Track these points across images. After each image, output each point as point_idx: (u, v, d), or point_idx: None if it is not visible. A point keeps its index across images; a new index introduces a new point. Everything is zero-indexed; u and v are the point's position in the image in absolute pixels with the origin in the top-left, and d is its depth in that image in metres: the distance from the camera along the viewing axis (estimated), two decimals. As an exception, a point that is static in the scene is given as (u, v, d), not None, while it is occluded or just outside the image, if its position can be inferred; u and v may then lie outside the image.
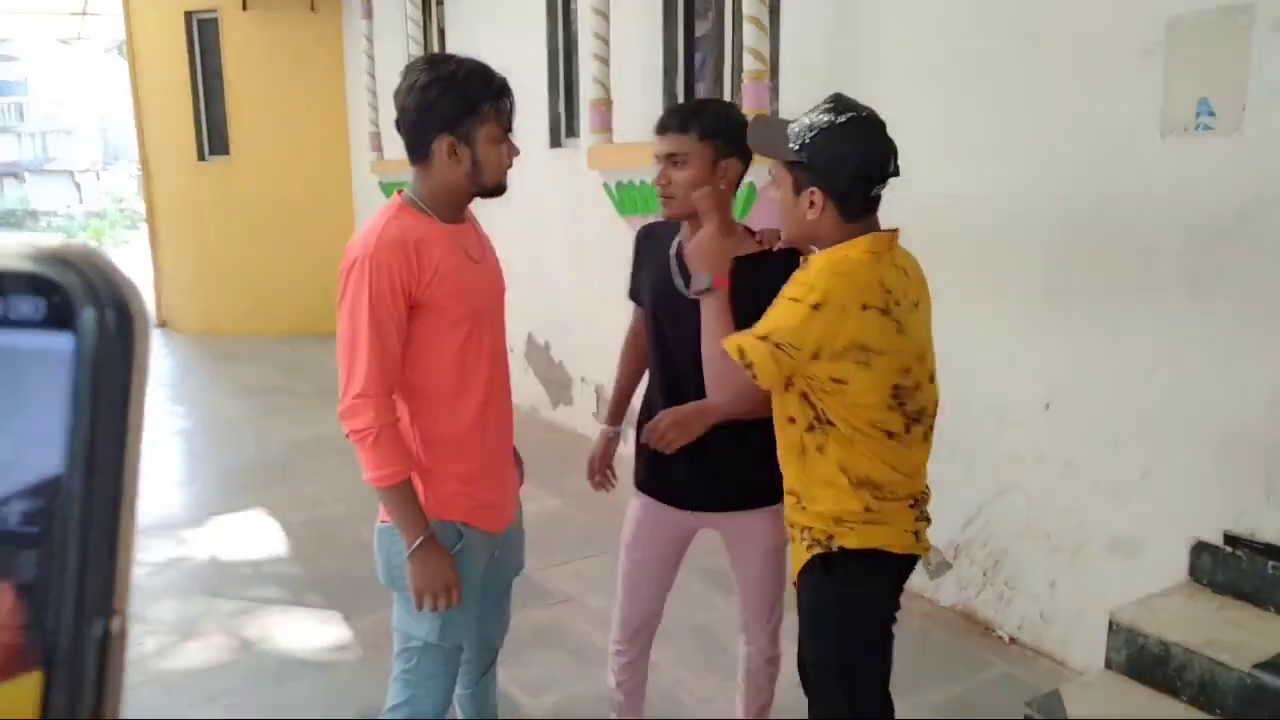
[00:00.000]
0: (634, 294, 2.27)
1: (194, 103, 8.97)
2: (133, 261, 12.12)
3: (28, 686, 0.21)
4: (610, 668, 2.37)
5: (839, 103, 1.73)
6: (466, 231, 1.93)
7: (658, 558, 2.23)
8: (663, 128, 2.00)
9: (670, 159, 1.98)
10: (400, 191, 1.90)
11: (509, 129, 1.87)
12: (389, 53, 7.08)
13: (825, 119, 1.69)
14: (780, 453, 1.88)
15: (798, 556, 1.88)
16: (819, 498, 1.80)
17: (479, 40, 6.18)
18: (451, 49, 6.72)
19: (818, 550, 1.83)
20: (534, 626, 3.33)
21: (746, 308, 1.80)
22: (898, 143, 1.72)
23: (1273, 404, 2.45)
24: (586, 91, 4.75)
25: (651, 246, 2.20)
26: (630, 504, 2.27)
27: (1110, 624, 2.51)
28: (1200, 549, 2.59)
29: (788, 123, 1.75)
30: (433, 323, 1.83)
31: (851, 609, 1.86)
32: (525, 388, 5.89)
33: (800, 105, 1.80)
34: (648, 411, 2.21)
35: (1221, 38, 2.48)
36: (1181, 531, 2.64)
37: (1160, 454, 2.69)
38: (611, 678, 2.38)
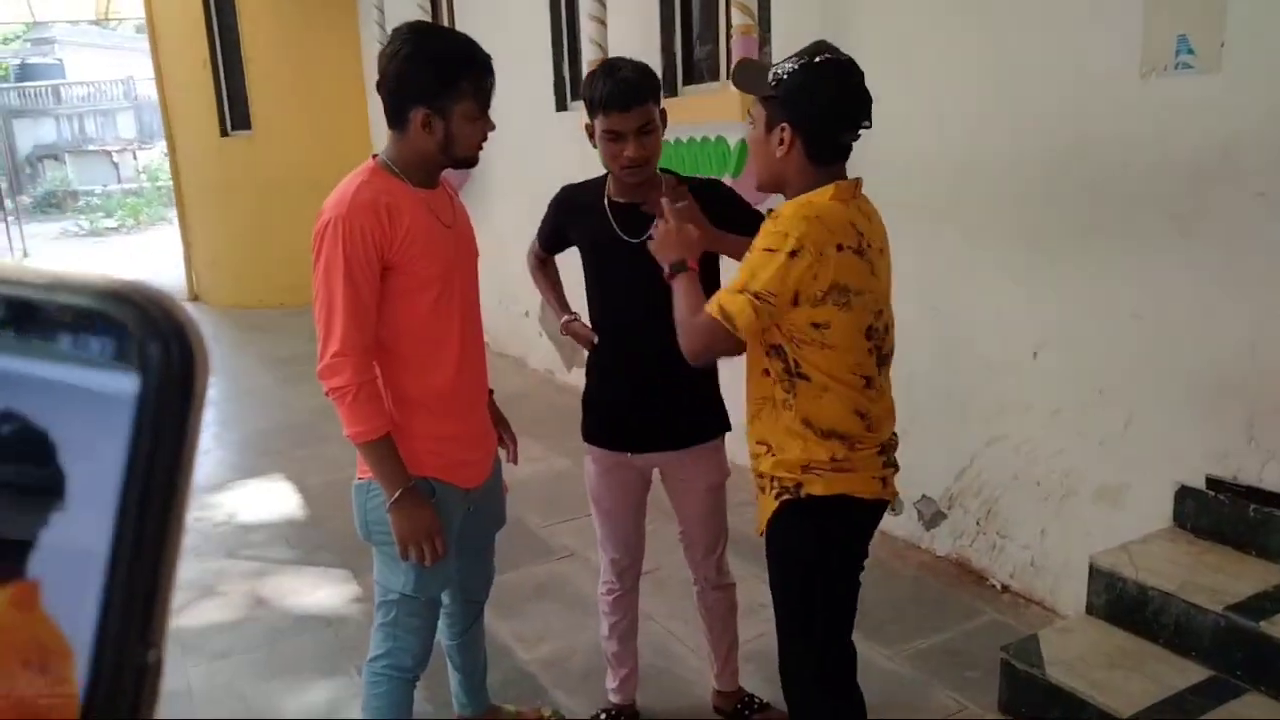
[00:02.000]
0: (549, 243, 2.40)
1: (215, 79, 9.07)
2: (170, 238, 12.37)
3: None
4: (601, 610, 2.47)
5: (819, 46, 1.76)
6: (438, 196, 1.97)
7: (623, 503, 2.35)
8: (626, 104, 2.01)
9: (641, 130, 2.04)
10: (375, 155, 1.94)
11: (487, 106, 1.90)
12: (402, 20, 7.09)
13: (803, 60, 1.73)
14: (752, 406, 1.91)
15: (765, 507, 1.90)
16: (787, 447, 1.83)
17: (484, 7, 6.18)
18: (460, 15, 6.72)
19: (786, 498, 1.85)
20: (535, 581, 3.42)
21: None
22: (885, 94, 1.74)
23: (1255, 345, 2.42)
24: (586, 53, 4.74)
25: (580, 203, 2.26)
26: (585, 461, 2.38)
27: (1090, 569, 2.53)
28: (1184, 494, 2.59)
29: (771, 66, 1.81)
30: (403, 284, 1.87)
31: (819, 555, 1.88)
32: (539, 351, 5.95)
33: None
34: (596, 368, 2.29)
35: (1201, -27, 2.42)
36: (1166, 477, 2.64)
37: (1144, 400, 2.68)
38: (604, 625, 2.48)
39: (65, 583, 0.22)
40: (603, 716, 2.55)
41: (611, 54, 4.57)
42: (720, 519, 2.38)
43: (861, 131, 1.76)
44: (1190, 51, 2.47)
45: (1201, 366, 2.54)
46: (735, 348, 1.80)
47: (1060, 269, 2.88)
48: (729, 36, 3.97)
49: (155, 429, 0.22)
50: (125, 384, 0.22)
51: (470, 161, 1.95)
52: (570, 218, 2.29)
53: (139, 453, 0.22)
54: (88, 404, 0.22)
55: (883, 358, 1.84)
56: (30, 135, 27.80)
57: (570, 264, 2.43)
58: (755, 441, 1.90)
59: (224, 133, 9.18)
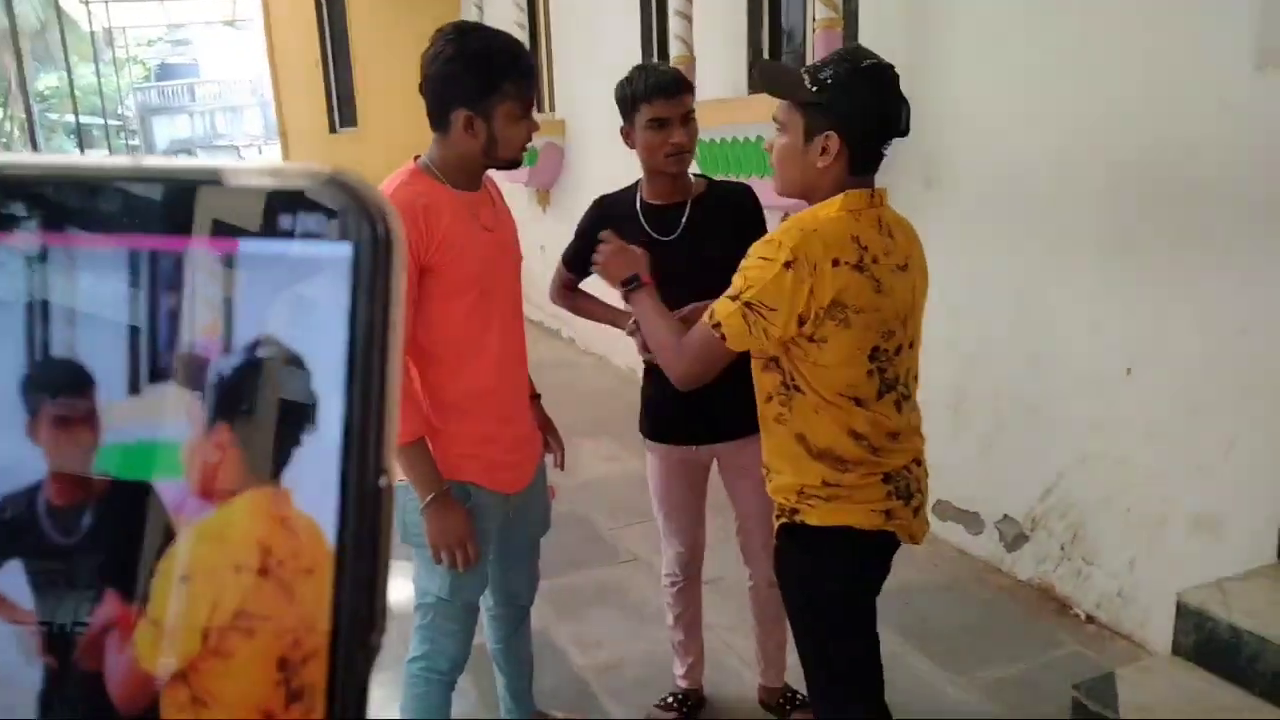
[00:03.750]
0: (580, 263, 2.31)
1: (325, 78, 9.41)
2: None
3: (257, 501, 0.26)
4: (666, 603, 2.55)
5: (858, 51, 1.67)
6: (480, 200, 1.95)
7: (683, 497, 2.41)
8: (672, 91, 2.13)
9: (685, 118, 2.15)
10: (416, 157, 1.93)
11: (530, 107, 1.88)
12: (499, 18, 7.19)
13: (846, 65, 1.63)
14: (762, 429, 1.85)
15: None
16: (783, 469, 1.77)
17: (579, 7, 6.20)
18: (554, 17, 6.76)
19: (784, 521, 1.80)
20: (597, 584, 3.38)
21: (709, 243, 2.10)
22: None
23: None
24: (673, 50, 4.68)
25: (617, 209, 2.30)
26: (647, 458, 2.44)
27: (1178, 605, 2.33)
28: (1290, 530, 2.36)
29: (798, 68, 1.71)
30: (440, 287, 1.86)
31: (814, 585, 1.81)
32: (621, 353, 5.93)
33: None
34: (651, 366, 2.29)
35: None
36: (1269, 508, 2.41)
37: (1247, 423, 2.46)
38: (670, 616, 2.54)
39: (309, 470, 0.26)
40: (670, 699, 2.59)
41: (698, 51, 4.52)
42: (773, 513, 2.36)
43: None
44: (1310, 43, 2.24)
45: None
46: (725, 357, 1.71)
47: (1158, 280, 2.67)
48: (814, 32, 3.85)
49: (370, 292, 0.25)
50: (341, 253, 0.25)
51: (513, 163, 1.92)
52: (609, 225, 2.27)
53: (358, 312, 0.25)
54: (308, 274, 0.26)
55: (888, 382, 1.70)
56: (168, 131, 29.49)
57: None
58: (764, 464, 1.86)
59: (332, 129, 9.51)
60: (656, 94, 2.09)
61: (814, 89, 1.61)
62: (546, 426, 2.24)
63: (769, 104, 4.16)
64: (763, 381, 1.78)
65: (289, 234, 0.26)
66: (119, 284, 0.26)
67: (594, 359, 6.40)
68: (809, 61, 3.91)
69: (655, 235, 2.19)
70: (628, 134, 2.18)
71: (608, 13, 5.87)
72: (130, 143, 28.38)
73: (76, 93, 21.34)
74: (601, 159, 5.72)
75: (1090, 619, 2.96)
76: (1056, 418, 3.02)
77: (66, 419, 0.27)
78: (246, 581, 0.26)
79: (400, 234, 0.26)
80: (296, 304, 0.26)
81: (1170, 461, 2.67)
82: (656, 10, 5.52)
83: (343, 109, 9.46)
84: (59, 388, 0.27)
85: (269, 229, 0.26)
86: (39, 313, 0.26)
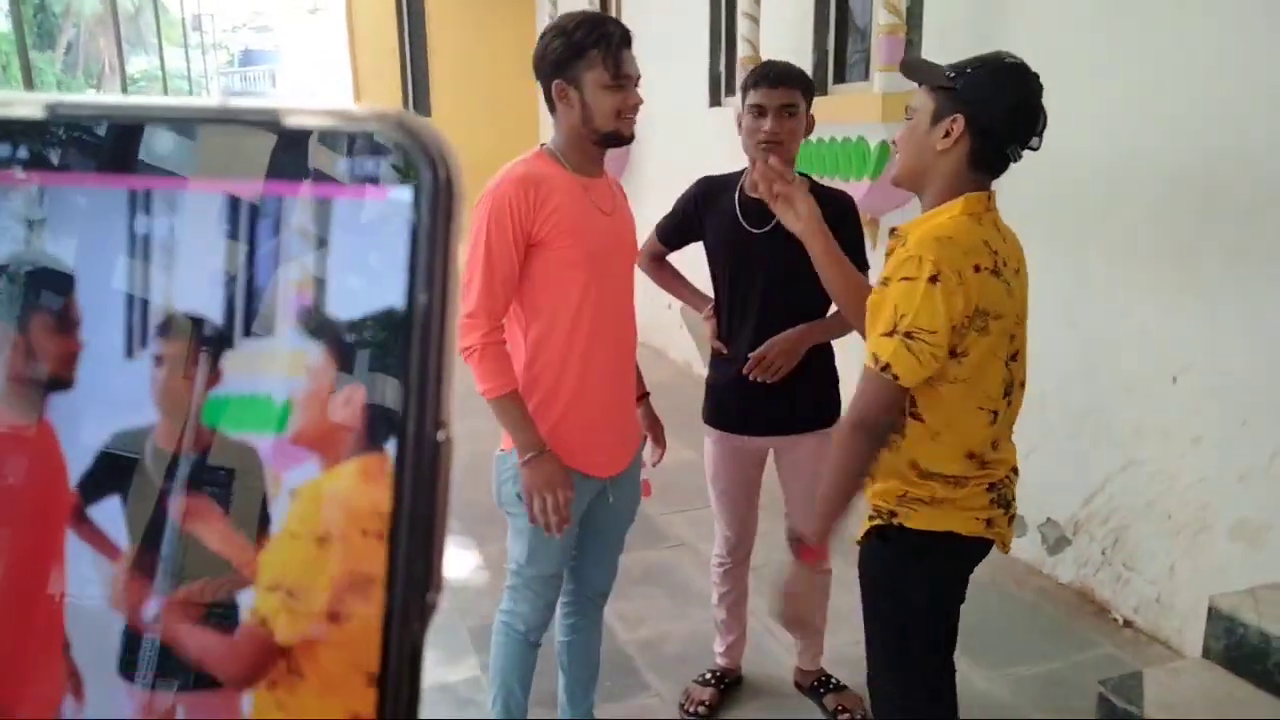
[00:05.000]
0: (672, 237, 2.49)
1: (401, 66, 9.66)
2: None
3: (364, 465, 0.26)
4: (712, 581, 2.65)
5: (1004, 53, 1.68)
6: (599, 185, 2.01)
7: (738, 483, 2.49)
8: (776, 81, 2.20)
9: (784, 108, 2.20)
10: (543, 144, 2.03)
11: (622, 76, 1.90)
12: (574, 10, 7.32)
13: (989, 61, 1.65)
14: None
15: (859, 527, 1.85)
16: (887, 480, 1.75)
17: (651, 5, 6.30)
18: (625, 14, 6.87)
19: (879, 523, 1.78)
20: (644, 566, 3.51)
21: (799, 243, 2.07)
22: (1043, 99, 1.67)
23: None
24: (740, 50, 4.77)
25: (716, 193, 2.39)
26: (705, 443, 2.52)
27: (1210, 610, 2.37)
28: (1328, 540, 2.38)
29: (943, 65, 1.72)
30: (550, 262, 1.91)
31: (907, 590, 1.79)
32: (678, 346, 6.04)
33: (941, 59, 1.77)
34: (720, 355, 2.38)
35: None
36: (1310, 521, 2.44)
37: (1288, 436, 2.48)
38: (715, 595, 2.64)
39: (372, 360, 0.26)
40: (708, 675, 2.69)
41: (763, 51, 4.60)
42: None
43: (1025, 152, 1.67)
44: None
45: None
46: (902, 398, 1.65)
47: (1210, 290, 2.69)
48: (879, 36, 3.91)
49: (430, 236, 0.25)
50: (404, 195, 0.25)
51: (617, 137, 1.94)
52: (706, 206, 2.41)
53: (417, 256, 0.25)
54: (370, 213, 0.25)
55: (1009, 388, 1.71)
56: (249, 115, 30.27)
57: (689, 261, 2.50)
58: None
59: (407, 117, 9.77)
60: (762, 81, 2.18)
61: (950, 74, 1.63)
62: (654, 424, 2.31)
63: (838, 105, 4.20)
64: None
65: (351, 177, 0.25)
66: (206, 227, 0.26)
67: (651, 351, 6.52)
68: (872, 63, 3.97)
69: (747, 226, 2.28)
70: (740, 119, 2.26)
71: (678, 13, 5.97)
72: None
73: (166, 76, 22.10)
74: (667, 155, 5.83)
75: (1128, 623, 3.00)
76: (1103, 424, 3.05)
77: (179, 363, 0.27)
78: (361, 545, 0.26)
79: (460, 178, 0.26)
80: (363, 248, 0.25)
81: (1213, 470, 2.69)
82: (725, 11, 5.60)
83: (418, 98, 9.70)
84: (177, 333, 0.26)
85: (328, 171, 0.26)
86: (156, 256, 0.26)
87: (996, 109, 1.62)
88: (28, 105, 0.26)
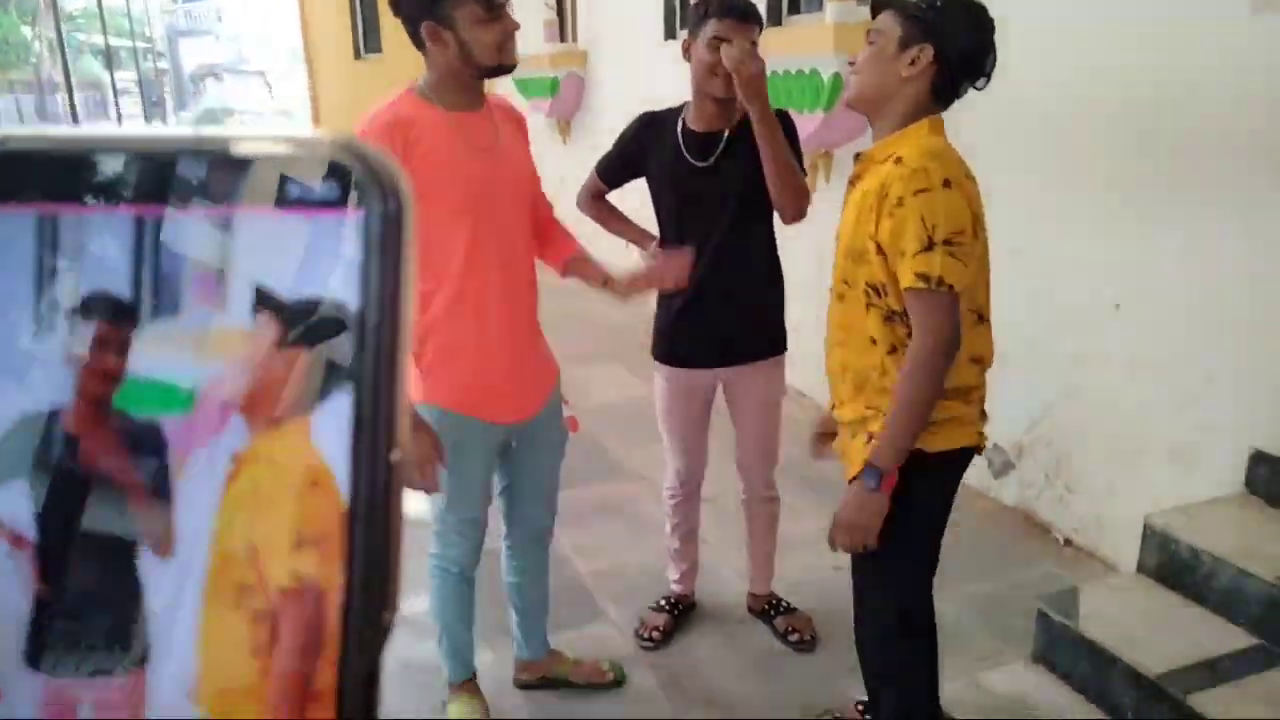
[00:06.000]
0: (613, 175, 2.47)
1: (350, 4, 9.39)
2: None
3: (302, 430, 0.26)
4: (666, 513, 2.70)
5: None
6: (476, 120, 1.90)
7: (689, 418, 2.53)
8: (744, 15, 2.17)
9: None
10: (413, 81, 1.92)
11: (496, 6, 1.80)
12: (523, -54, 7.14)
13: None
14: (853, 379, 1.79)
15: (856, 457, 1.76)
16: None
17: (603, -70, 6.16)
18: (579, -60, 6.72)
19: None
20: (602, 499, 3.56)
21: (740, 174, 2.19)
22: None
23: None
24: (694, -19, 4.70)
25: (659, 128, 2.37)
26: (654, 379, 2.54)
27: (1145, 528, 2.46)
28: (1258, 459, 2.47)
29: None
30: (428, 210, 1.82)
31: (923, 510, 1.80)
32: (638, 281, 6.02)
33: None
34: (667, 296, 2.38)
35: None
36: (1242, 441, 2.52)
37: (1227, 360, 2.55)
38: (668, 524, 2.70)
39: (327, 419, 0.26)
40: (662, 602, 2.76)
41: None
42: (774, 435, 2.56)
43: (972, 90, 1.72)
44: (1307, -15, 2.28)
45: (1289, 327, 2.40)
46: (958, 309, 1.64)
47: (1150, 222, 2.74)
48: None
49: (380, 261, 0.26)
50: (354, 218, 0.26)
51: (500, 68, 1.85)
52: (649, 142, 2.39)
53: (369, 280, 0.26)
54: (319, 243, 0.26)
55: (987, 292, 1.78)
56: (195, 54, 29.39)
57: (628, 197, 2.49)
58: (864, 407, 1.77)
59: (357, 55, 9.51)
60: (726, 14, 2.13)
61: (924, 5, 1.65)
62: (598, 273, 2.13)
63: (792, 37, 4.14)
64: (882, 335, 1.72)
65: (301, 202, 0.26)
66: (131, 248, 0.27)
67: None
68: (826, -5, 3.92)
69: (691, 160, 2.28)
70: (688, 47, 2.23)
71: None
72: (158, 64, 28.35)
73: (104, 14, 21.28)
74: (622, 90, 5.76)
75: (1068, 542, 3.11)
76: (1047, 352, 3.12)
77: (97, 346, 0.27)
78: (300, 504, 0.26)
79: (408, 201, 0.26)
80: (310, 272, 0.26)
81: (1151, 395, 2.77)
82: (680, -61, 5.49)
83: (368, 35, 9.45)
84: (96, 315, 0.27)
85: (281, 197, 0.26)
86: (67, 245, 0.27)
87: (965, 44, 1.65)
88: None
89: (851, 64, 1.76)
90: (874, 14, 1.80)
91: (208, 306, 0.26)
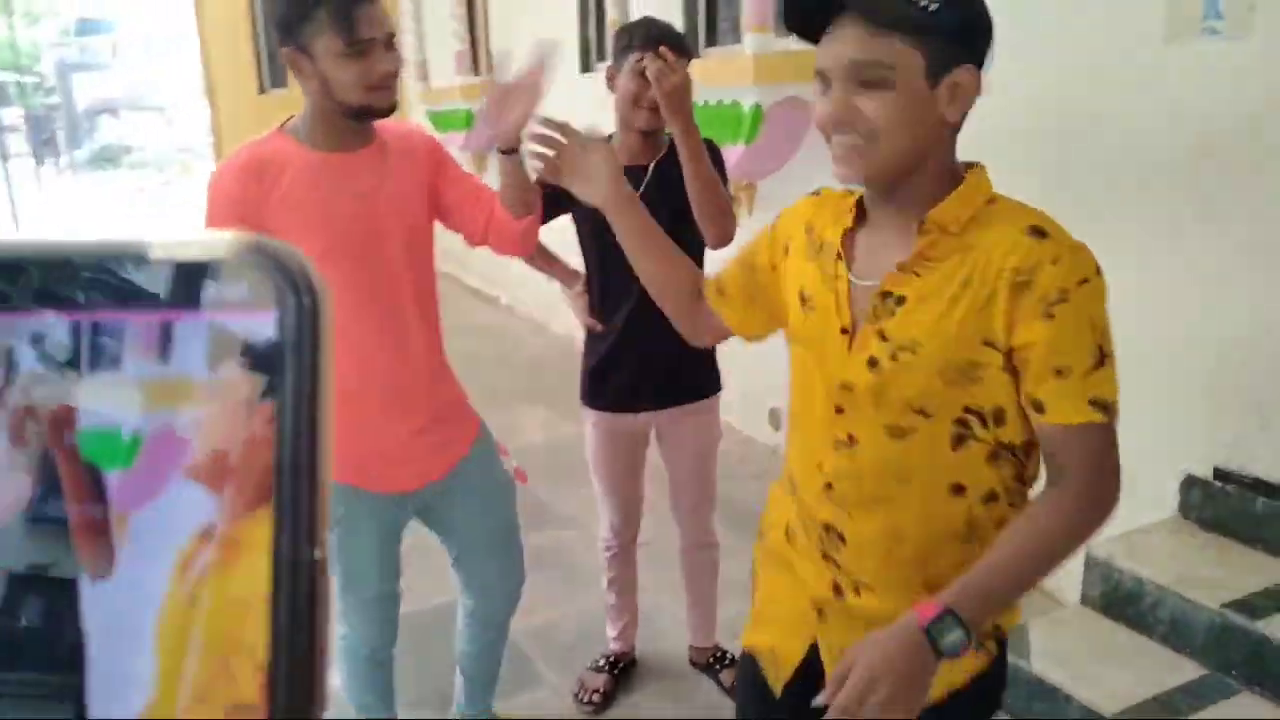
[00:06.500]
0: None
1: (254, 35, 9.12)
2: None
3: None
4: (602, 566, 2.57)
5: None
6: (354, 161, 1.71)
7: (621, 464, 2.41)
8: (673, 44, 2.05)
9: None
10: (290, 117, 1.77)
11: (359, 40, 1.59)
12: (433, -19, 7.04)
13: None
14: (912, 546, 1.22)
15: (962, 665, 1.20)
16: None
17: (513, -37, 6.09)
18: (489, -27, 6.63)
19: (985, 657, 1.25)
20: (532, 548, 3.32)
21: (665, 209, 1.98)
22: None
23: (1272, 330, 2.29)
24: (610, 13, 4.65)
25: None
26: (585, 425, 2.43)
27: (1086, 559, 2.44)
28: (1190, 483, 2.48)
29: None
30: None
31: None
32: (559, 319, 5.92)
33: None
34: (596, 337, 2.29)
35: (1231, -69, 2.26)
36: (1173, 465, 2.53)
37: (1152, 385, 2.55)
38: (604, 579, 2.58)
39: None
40: (601, 661, 2.63)
41: (634, 13, 4.49)
42: (710, 478, 2.46)
43: None
44: (1219, 15, 2.32)
45: (1215, 351, 2.41)
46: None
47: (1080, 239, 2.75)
48: (748, -4, 3.84)
49: (295, 359, 0.26)
50: (268, 319, 0.26)
51: (370, 110, 1.64)
52: None
53: (285, 378, 0.26)
54: (235, 343, 0.26)
55: None
56: (89, 90, 28.32)
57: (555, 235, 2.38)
58: (923, 590, 1.19)
59: (262, 90, 9.24)
60: (652, 44, 2.02)
61: (934, 8, 1.06)
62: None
63: (711, 69, 4.10)
64: (980, 478, 1.19)
65: (216, 304, 0.26)
66: (57, 346, 0.27)
67: (531, 325, 6.38)
68: (743, 25, 3.89)
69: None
70: (612, 77, 2.15)
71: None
72: (48, 100, 27.24)
73: (-11, 48, 20.37)
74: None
75: (1008, 573, 3.08)
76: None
77: (26, 410, 0.27)
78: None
79: (324, 299, 0.26)
80: (225, 372, 0.26)
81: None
82: (592, -29, 5.46)
83: (273, 69, 9.18)
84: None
85: (195, 299, 0.26)
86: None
87: (987, 43, 1.16)
88: None
89: (841, 130, 1.13)
90: (811, 37, 1.16)
91: (149, 359, 0.26)
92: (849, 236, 1.24)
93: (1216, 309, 2.39)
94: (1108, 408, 1.17)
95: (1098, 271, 1.16)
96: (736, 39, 4.29)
